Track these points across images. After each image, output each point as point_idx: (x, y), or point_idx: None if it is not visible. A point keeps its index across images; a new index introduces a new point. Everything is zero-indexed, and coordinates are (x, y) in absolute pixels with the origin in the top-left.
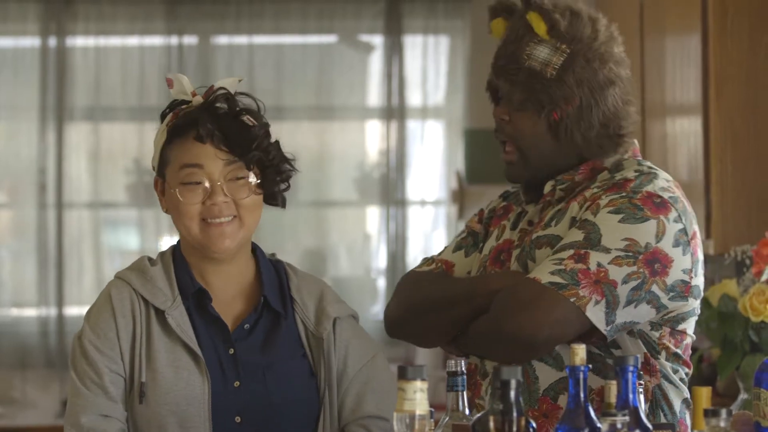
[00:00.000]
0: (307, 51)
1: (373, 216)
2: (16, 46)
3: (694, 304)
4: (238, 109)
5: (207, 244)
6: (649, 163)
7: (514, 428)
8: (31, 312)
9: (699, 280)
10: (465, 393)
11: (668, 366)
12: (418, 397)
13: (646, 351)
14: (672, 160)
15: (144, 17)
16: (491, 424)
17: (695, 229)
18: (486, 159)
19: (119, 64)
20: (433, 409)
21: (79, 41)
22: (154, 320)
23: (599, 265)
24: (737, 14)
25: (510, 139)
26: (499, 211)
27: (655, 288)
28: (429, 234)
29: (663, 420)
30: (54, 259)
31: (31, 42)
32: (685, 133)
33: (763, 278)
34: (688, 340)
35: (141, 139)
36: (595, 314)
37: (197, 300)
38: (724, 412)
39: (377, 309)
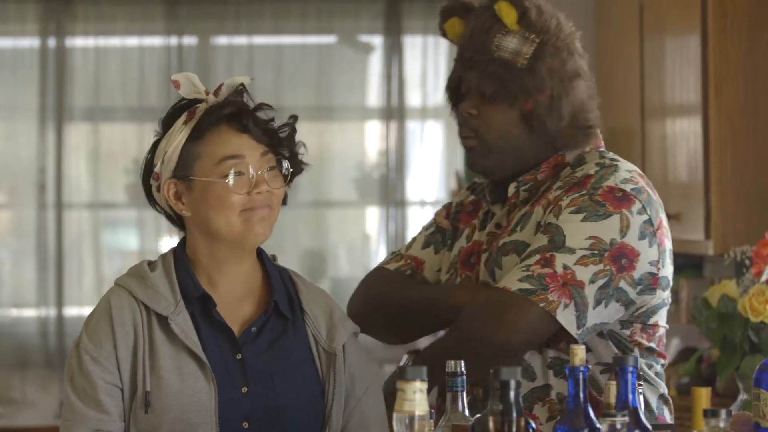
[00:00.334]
0: (306, 51)
1: (373, 216)
2: (16, 47)
3: (663, 296)
4: (259, 102)
5: (247, 235)
6: (611, 155)
7: (514, 428)
8: (30, 312)
9: (667, 270)
10: (464, 393)
11: (643, 363)
12: (417, 397)
13: (617, 351)
14: (672, 161)
15: (143, 17)
16: (491, 425)
17: (661, 217)
18: None
19: (119, 65)
20: (433, 410)
21: (78, 41)
22: (157, 327)
23: (565, 267)
24: (737, 15)
25: (476, 133)
26: (468, 206)
27: (623, 284)
28: None
29: None
30: (53, 259)
31: (31, 42)
32: (684, 133)
33: (763, 279)
34: (661, 332)
35: (141, 140)
36: (566, 317)
37: (201, 305)
38: (723, 412)
39: None
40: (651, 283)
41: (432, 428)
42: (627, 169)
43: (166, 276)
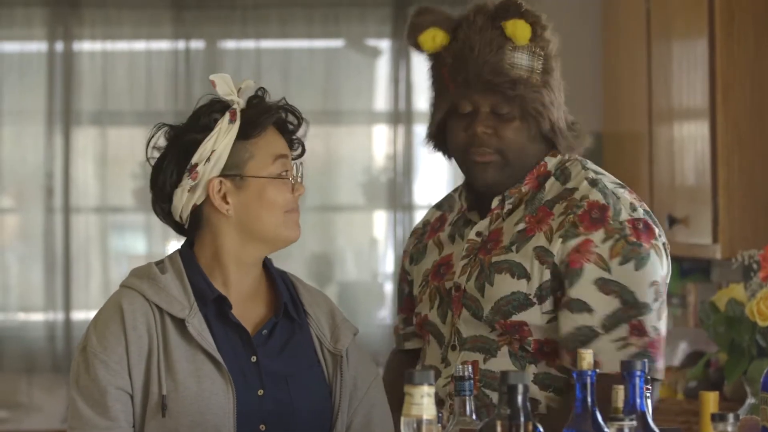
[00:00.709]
0: (313, 55)
1: (380, 220)
2: (23, 51)
3: None
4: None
5: (289, 235)
6: (590, 165)
7: None
8: (38, 316)
9: None
10: (472, 398)
11: None
12: (425, 401)
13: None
14: (679, 165)
15: (151, 22)
16: (498, 429)
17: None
18: None
19: (126, 69)
20: (441, 414)
21: (85, 46)
22: (172, 330)
23: (654, 329)
24: (744, 19)
25: (497, 151)
26: (435, 223)
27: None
28: None
29: None
30: (61, 263)
31: (38, 47)
32: (692, 137)
33: None
34: None
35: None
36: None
37: (216, 307)
38: (731, 416)
39: (384, 314)
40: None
41: None
42: (615, 182)
43: (178, 278)
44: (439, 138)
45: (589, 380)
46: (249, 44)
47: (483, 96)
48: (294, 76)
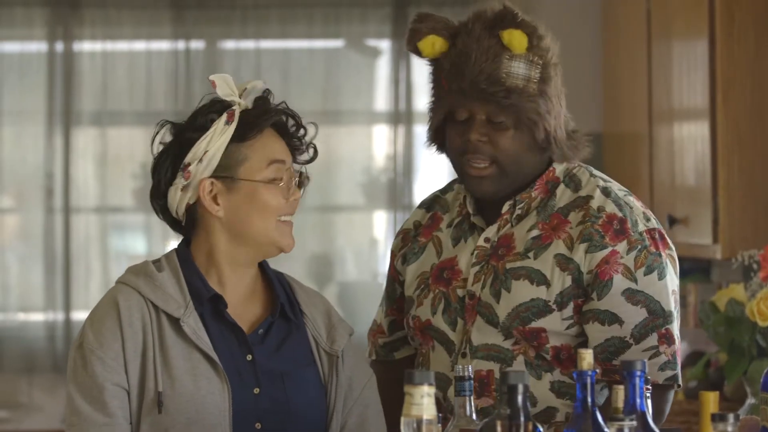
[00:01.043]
0: (313, 56)
1: (380, 221)
2: (23, 51)
3: None
4: (284, 107)
5: (281, 243)
6: (596, 172)
7: None
8: (38, 316)
9: None
10: (472, 398)
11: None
12: (425, 401)
13: None
14: (679, 165)
15: (150, 22)
16: (498, 429)
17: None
18: None
19: (126, 69)
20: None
21: (86, 46)
22: (168, 327)
23: (677, 337)
24: (744, 19)
25: (490, 158)
26: (428, 223)
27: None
28: None
29: None
30: (61, 263)
31: (38, 47)
32: (692, 137)
33: None
34: None
35: (148, 144)
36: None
37: (212, 306)
38: (731, 416)
39: None
40: None
41: None
42: (623, 190)
43: (174, 276)
44: (439, 142)
45: (589, 380)
46: (249, 44)
47: (478, 104)
48: (294, 76)
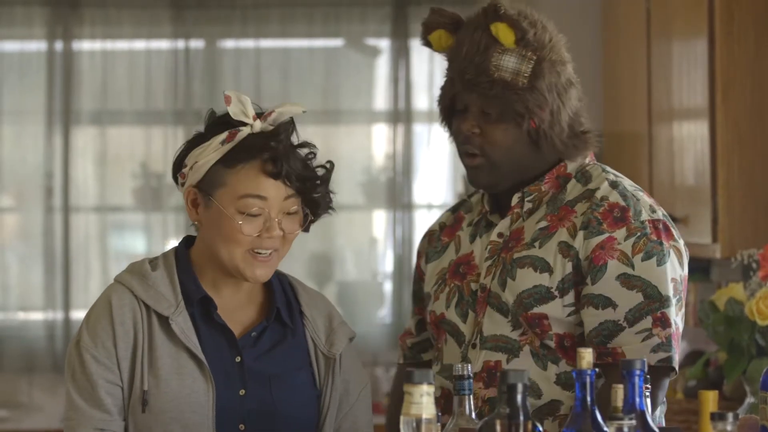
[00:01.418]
0: (313, 55)
1: (380, 220)
2: (23, 50)
3: None
4: (302, 141)
5: (246, 273)
6: (609, 169)
7: None
8: (37, 316)
9: None
10: (471, 397)
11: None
12: (424, 401)
13: None
14: (679, 164)
15: (150, 21)
16: (498, 428)
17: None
18: None
19: (126, 68)
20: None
21: (85, 45)
22: (157, 327)
23: (676, 323)
24: (743, 19)
25: (481, 151)
26: (451, 222)
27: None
28: None
29: None
30: (61, 262)
31: (38, 46)
32: (691, 137)
33: None
34: None
35: (148, 143)
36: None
37: (202, 307)
38: (730, 416)
39: (383, 313)
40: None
41: None
42: (633, 186)
43: (168, 276)
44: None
45: (588, 379)
46: (249, 44)
47: (469, 95)
48: (293, 75)
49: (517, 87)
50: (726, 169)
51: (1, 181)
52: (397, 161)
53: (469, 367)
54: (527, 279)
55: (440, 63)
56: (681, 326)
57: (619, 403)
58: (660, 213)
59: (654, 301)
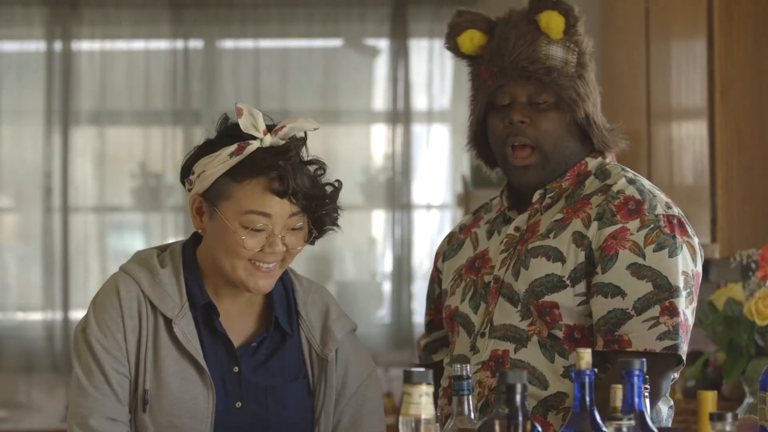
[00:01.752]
0: (312, 55)
1: (379, 220)
2: (22, 51)
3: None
4: (311, 158)
5: (247, 284)
6: (629, 169)
7: None
8: (36, 316)
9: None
10: (470, 397)
11: None
12: (423, 401)
13: None
14: (678, 164)
15: (149, 21)
16: (497, 428)
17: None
18: None
19: (125, 68)
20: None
21: (84, 45)
22: (162, 326)
23: (685, 314)
24: (742, 19)
25: (532, 142)
26: (469, 220)
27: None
28: (434, 238)
29: None
30: (59, 262)
31: (37, 46)
32: (690, 136)
33: None
34: None
35: (146, 143)
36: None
37: (205, 313)
38: (729, 416)
39: (382, 313)
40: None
41: None
42: (650, 184)
43: (175, 275)
44: (482, 141)
45: (587, 380)
46: (248, 44)
47: (519, 85)
48: (292, 75)
49: (568, 75)
50: (725, 168)
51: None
52: (396, 161)
53: (468, 368)
54: (540, 268)
55: (439, 63)
56: (691, 320)
57: (618, 403)
58: (676, 210)
59: (663, 290)
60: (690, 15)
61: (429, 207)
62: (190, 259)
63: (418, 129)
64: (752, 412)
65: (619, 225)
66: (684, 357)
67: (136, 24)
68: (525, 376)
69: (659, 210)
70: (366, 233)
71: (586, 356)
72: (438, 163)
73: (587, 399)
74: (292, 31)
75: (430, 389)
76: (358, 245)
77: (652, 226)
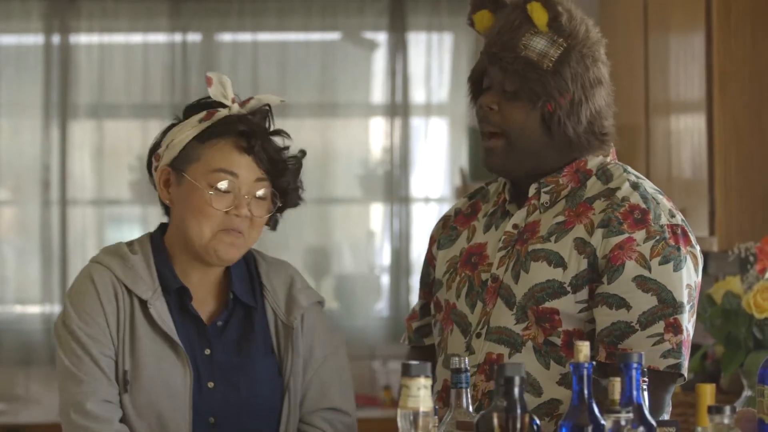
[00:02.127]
0: (310, 48)
1: (377, 213)
2: (20, 44)
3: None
4: (276, 128)
5: (215, 251)
6: (630, 169)
7: (518, 425)
8: (34, 309)
9: None
10: (469, 390)
11: None
12: (422, 393)
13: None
14: (676, 158)
15: (147, 14)
16: (495, 422)
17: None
18: None
19: (123, 62)
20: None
21: (82, 38)
22: (138, 308)
23: (687, 329)
24: (741, 12)
25: (498, 129)
26: (467, 209)
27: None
28: None
29: None
30: (58, 256)
31: (35, 39)
32: (689, 130)
33: (767, 275)
34: None
35: (145, 137)
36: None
37: (178, 297)
38: (727, 409)
39: (381, 306)
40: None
41: (436, 424)
42: (654, 188)
43: (146, 262)
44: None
45: (585, 372)
46: (246, 37)
47: (493, 70)
48: (291, 68)
49: (539, 68)
50: (723, 162)
51: None
52: (394, 154)
53: (467, 361)
54: (541, 272)
55: (437, 56)
56: (692, 333)
57: (617, 396)
58: (678, 218)
59: (668, 306)
60: (688, 9)
61: (427, 200)
62: (159, 246)
63: (417, 122)
64: (750, 405)
65: (626, 235)
66: (686, 374)
67: (134, 17)
68: (523, 368)
69: (663, 220)
70: (364, 226)
71: (584, 349)
72: (436, 156)
73: (585, 392)
74: (290, 25)
75: (429, 382)
76: (357, 238)
77: (657, 237)
